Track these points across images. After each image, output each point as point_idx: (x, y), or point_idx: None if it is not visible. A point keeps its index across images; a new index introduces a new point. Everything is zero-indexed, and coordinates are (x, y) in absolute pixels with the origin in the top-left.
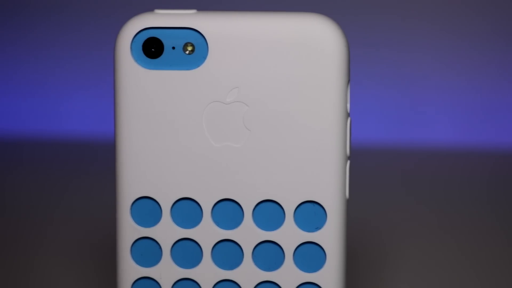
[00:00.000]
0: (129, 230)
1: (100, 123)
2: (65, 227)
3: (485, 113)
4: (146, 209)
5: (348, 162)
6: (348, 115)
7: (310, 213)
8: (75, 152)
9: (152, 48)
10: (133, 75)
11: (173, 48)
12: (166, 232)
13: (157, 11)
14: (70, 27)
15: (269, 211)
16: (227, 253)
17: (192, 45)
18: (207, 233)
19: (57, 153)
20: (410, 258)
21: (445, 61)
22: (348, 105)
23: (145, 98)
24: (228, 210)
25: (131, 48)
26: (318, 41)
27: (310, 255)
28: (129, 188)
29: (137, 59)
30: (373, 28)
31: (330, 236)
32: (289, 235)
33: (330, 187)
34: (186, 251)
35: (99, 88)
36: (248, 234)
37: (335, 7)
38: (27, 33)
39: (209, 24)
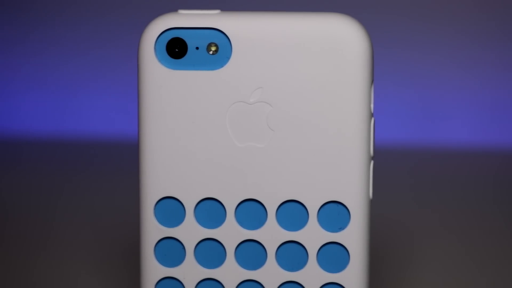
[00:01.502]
0: (152, 230)
1: (122, 123)
2: (88, 228)
3: (506, 113)
4: (170, 209)
5: (372, 162)
6: (371, 115)
7: (334, 213)
8: (97, 153)
9: (176, 48)
10: (156, 75)
11: (197, 48)
12: (190, 232)
13: (181, 11)
14: (94, 28)
15: (292, 211)
16: (251, 253)
17: (216, 45)
18: (230, 233)
19: (78, 154)
20: (433, 259)
21: (461, 60)
22: (372, 105)
23: (168, 98)
24: (251, 210)
25: (155, 48)
26: (342, 41)
27: (334, 255)
28: (153, 188)
29: (161, 59)
30: (386, 27)
31: (354, 236)
32: (313, 235)
33: (353, 187)
34: (210, 251)
35: (121, 88)
36: (271, 234)
37: (353, 6)
38: (51, 33)
39: (232, 24)
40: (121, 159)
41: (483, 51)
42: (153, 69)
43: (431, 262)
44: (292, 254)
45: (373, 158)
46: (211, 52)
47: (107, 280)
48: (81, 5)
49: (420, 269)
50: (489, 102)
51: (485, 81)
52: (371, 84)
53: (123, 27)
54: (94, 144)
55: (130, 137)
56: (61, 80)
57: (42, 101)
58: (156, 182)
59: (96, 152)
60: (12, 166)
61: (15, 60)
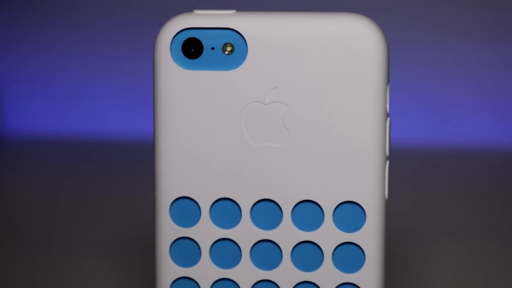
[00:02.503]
0: (168, 230)
1: (138, 123)
2: (104, 228)
3: None
4: (185, 209)
5: (388, 162)
6: (387, 115)
7: (349, 213)
8: (113, 153)
9: (191, 48)
10: (172, 76)
11: (213, 48)
12: (205, 232)
13: (197, 11)
14: (109, 28)
15: (308, 212)
16: (266, 253)
17: (232, 45)
18: (246, 233)
19: (94, 154)
20: (449, 258)
21: (476, 60)
22: (387, 105)
23: (184, 98)
24: (267, 210)
25: (170, 48)
26: (358, 41)
27: (349, 256)
28: (169, 188)
29: (176, 60)
30: (402, 27)
31: (369, 237)
32: (328, 236)
33: (369, 188)
34: (225, 251)
35: (137, 88)
36: (287, 234)
37: (368, 6)
38: (66, 34)
39: (248, 24)
40: (136, 159)
41: (491, 52)
42: (169, 69)
43: (447, 262)
44: (307, 254)
45: (388, 158)
46: (226, 52)
47: (122, 279)
48: (97, 5)
49: (435, 269)
50: (504, 102)
51: (499, 82)
52: (387, 84)
53: (139, 27)
54: (110, 144)
55: (146, 137)
56: (78, 80)
57: (58, 100)
58: (172, 182)
59: (112, 152)
60: (28, 166)
61: (26, 60)
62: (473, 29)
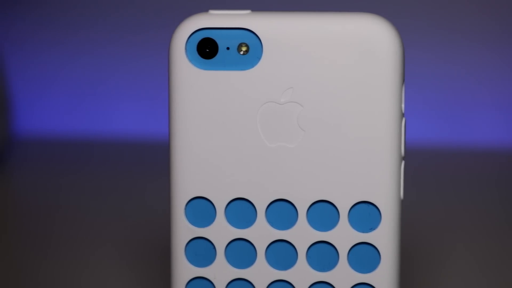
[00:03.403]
0: (183, 230)
1: (152, 123)
2: (119, 228)
3: None
4: (201, 209)
5: (403, 162)
6: (402, 115)
7: (365, 213)
8: (127, 153)
9: (206, 48)
10: (187, 76)
11: (228, 48)
12: (220, 232)
13: (212, 11)
14: (124, 28)
15: (323, 212)
16: (281, 253)
17: (247, 45)
18: (261, 233)
19: (106, 154)
20: (465, 259)
21: (491, 60)
22: (403, 106)
23: (199, 98)
24: (282, 211)
25: (185, 48)
26: (373, 41)
27: (364, 256)
28: (184, 188)
29: (191, 60)
30: (415, 27)
31: (385, 237)
32: (343, 236)
33: (384, 188)
34: (240, 251)
35: (151, 88)
36: (302, 234)
37: (382, 5)
38: (80, 33)
39: (263, 24)
40: (151, 159)
41: (503, 53)
42: (184, 69)
43: (463, 262)
44: (322, 254)
45: (404, 158)
46: (241, 52)
47: (137, 279)
48: (112, 4)
49: (451, 269)
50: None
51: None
52: (402, 84)
53: (154, 27)
54: (124, 144)
55: (160, 137)
56: (91, 79)
57: (71, 100)
58: (187, 182)
59: (126, 153)
60: (39, 166)
61: (36, 59)
62: (484, 30)
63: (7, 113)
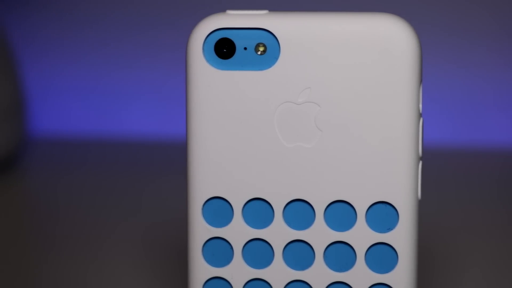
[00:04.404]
0: (200, 230)
1: (169, 123)
2: (136, 228)
3: None
4: (218, 209)
5: (420, 162)
6: (420, 115)
7: (382, 214)
8: (142, 153)
9: (224, 48)
10: (205, 76)
11: (245, 48)
12: (238, 232)
13: (229, 11)
14: (141, 29)
15: (340, 212)
16: (299, 253)
17: (264, 45)
18: (278, 233)
19: (122, 154)
20: (482, 259)
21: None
22: (420, 106)
23: (216, 98)
24: (299, 211)
25: (203, 48)
26: (391, 41)
27: (382, 256)
28: (201, 188)
29: (209, 60)
30: (430, 27)
31: (402, 237)
32: (361, 236)
33: (402, 188)
34: (258, 252)
35: (168, 88)
36: (319, 234)
37: (397, 4)
38: (96, 34)
39: (281, 24)
40: (168, 159)
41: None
42: (201, 69)
43: (481, 263)
44: (340, 255)
45: (421, 158)
46: (259, 53)
47: (154, 280)
48: (130, 5)
49: (468, 270)
50: None
51: None
52: (420, 84)
53: (171, 27)
54: (141, 144)
55: (177, 138)
56: (108, 80)
57: (86, 100)
58: (204, 182)
59: (143, 153)
60: (56, 167)
61: (53, 61)
62: (502, 31)
63: (22, 114)
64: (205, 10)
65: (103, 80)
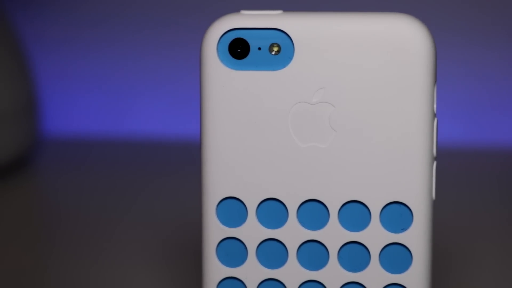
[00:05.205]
0: (214, 230)
1: (183, 123)
2: (149, 228)
3: None
4: (232, 209)
5: (435, 163)
6: (434, 115)
7: (396, 214)
8: (156, 153)
9: (238, 49)
10: (219, 76)
11: (259, 48)
12: (252, 232)
13: (243, 11)
14: (154, 29)
15: (354, 212)
16: (313, 253)
17: (278, 45)
18: (292, 233)
19: (136, 154)
20: (497, 260)
21: None
22: (435, 106)
23: (231, 98)
24: (313, 211)
25: (217, 49)
26: (405, 41)
27: (396, 256)
28: (215, 188)
29: (223, 60)
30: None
31: (417, 237)
32: (375, 236)
33: (416, 188)
34: (272, 252)
35: (182, 88)
36: (333, 234)
37: (412, 5)
38: (109, 34)
39: (295, 24)
40: (182, 159)
41: None
42: (215, 69)
43: (495, 264)
44: (354, 255)
45: (436, 158)
46: (273, 53)
47: (168, 280)
48: (144, 5)
49: (483, 270)
50: None
51: None
52: (434, 84)
53: (185, 27)
54: (155, 144)
55: (191, 138)
56: (122, 80)
57: (100, 101)
58: (218, 182)
59: (157, 153)
60: (69, 167)
61: (67, 60)
62: None
63: (35, 114)
64: (219, 10)
65: (117, 80)
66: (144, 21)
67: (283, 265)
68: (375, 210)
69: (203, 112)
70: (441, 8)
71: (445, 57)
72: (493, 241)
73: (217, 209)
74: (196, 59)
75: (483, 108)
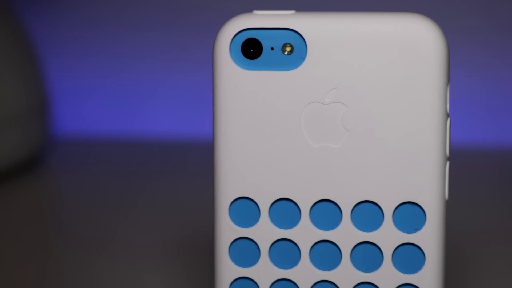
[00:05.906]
0: (227, 230)
1: (195, 123)
2: (162, 228)
3: None
4: (245, 209)
5: (448, 163)
6: (447, 115)
7: (409, 214)
8: (168, 153)
9: (251, 49)
10: (231, 76)
11: (272, 48)
12: (264, 232)
13: (256, 12)
14: (167, 29)
15: (367, 212)
16: (325, 253)
17: (291, 45)
18: (305, 233)
19: (148, 155)
20: (509, 261)
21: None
22: (448, 106)
23: (243, 98)
24: (326, 211)
25: (230, 49)
26: (418, 41)
27: (409, 257)
28: (228, 188)
29: (235, 60)
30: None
31: (429, 238)
32: (388, 236)
33: (429, 188)
34: (284, 252)
35: (195, 88)
36: (346, 235)
37: (425, 4)
38: (120, 34)
39: (308, 24)
40: (195, 160)
41: None
42: (228, 69)
43: (508, 264)
44: (367, 255)
45: (449, 158)
46: (286, 53)
47: (181, 280)
48: (157, 5)
49: (496, 271)
50: None
51: None
52: (447, 84)
53: (198, 27)
54: (167, 145)
55: (204, 138)
56: (133, 80)
57: (113, 101)
58: (231, 182)
59: (170, 153)
60: (80, 168)
61: (77, 60)
62: None
63: (46, 115)
64: (231, 10)
65: (128, 80)
66: (156, 20)
67: (296, 265)
68: (388, 210)
69: (215, 112)
70: (441, 8)
71: (460, 58)
72: (506, 241)
73: (229, 209)
74: (209, 59)
75: (497, 108)
